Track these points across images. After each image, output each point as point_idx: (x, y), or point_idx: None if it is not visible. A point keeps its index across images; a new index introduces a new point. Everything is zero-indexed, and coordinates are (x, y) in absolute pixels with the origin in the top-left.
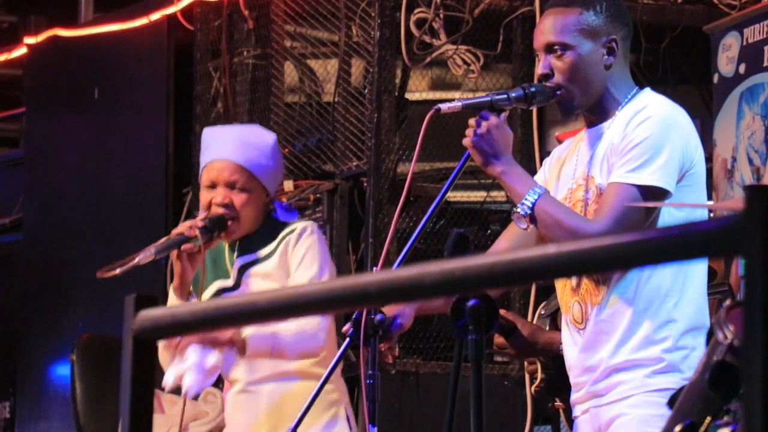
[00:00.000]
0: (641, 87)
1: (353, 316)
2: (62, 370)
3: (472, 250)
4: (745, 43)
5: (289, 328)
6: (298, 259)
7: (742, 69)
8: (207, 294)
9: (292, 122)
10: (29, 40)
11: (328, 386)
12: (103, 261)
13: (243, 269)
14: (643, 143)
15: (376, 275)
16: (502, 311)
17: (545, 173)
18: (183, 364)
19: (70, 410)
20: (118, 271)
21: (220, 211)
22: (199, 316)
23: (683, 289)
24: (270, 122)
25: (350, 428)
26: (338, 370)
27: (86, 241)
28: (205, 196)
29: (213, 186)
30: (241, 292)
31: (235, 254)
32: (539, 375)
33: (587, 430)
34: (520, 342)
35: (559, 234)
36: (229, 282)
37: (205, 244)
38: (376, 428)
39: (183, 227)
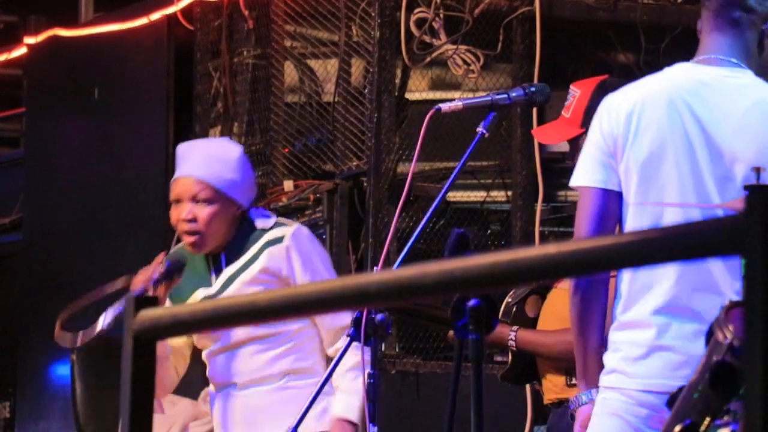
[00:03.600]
0: None
1: (354, 316)
2: (62, 370)
3: (473, 250)
4: None
5: (350, 375)
6: (302, 265)
7: None
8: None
9: (292, 122)
10: (29, 40)
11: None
12: (103, 261)
13: (230, 278)
14: None
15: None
16: None
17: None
18: None
19: (70, 410)
20: (78, 341)
21: (188, 227)
22: (199, 316)
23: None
24: (270, 122)
25: (374, 426)
26: (324, 363)
27: (86, 242)
28: (172, 212)
29: (178, 201)
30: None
31: (222, 263)
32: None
33: None
34: None
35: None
36: (212, 290)
37: (166, 288)
38: (376, 428)
39: (139, 280)
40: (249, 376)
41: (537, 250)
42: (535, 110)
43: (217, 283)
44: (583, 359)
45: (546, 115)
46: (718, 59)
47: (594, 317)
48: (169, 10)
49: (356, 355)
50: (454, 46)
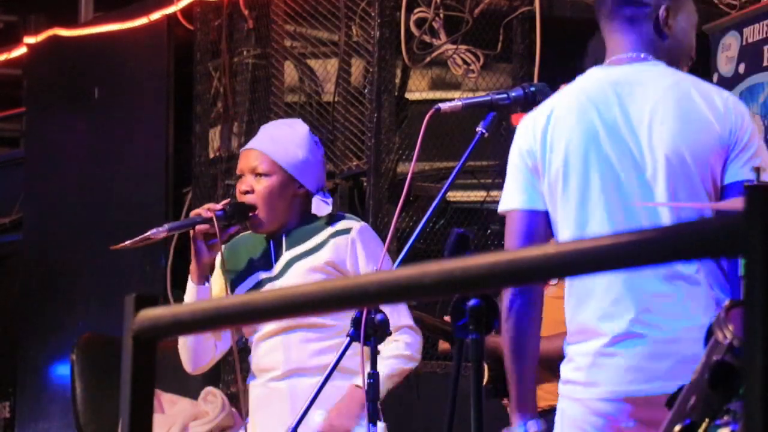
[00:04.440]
0: None
1: (353, 316)
2: (62, 370)
3: (473, 250)
4: (744, 43)
5: (389, 361)
6: (366, 260)
7: (741, 69)
8: (245, 287)
9: None
10: (29, 39)
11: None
12: (103, 261)
13: (290, 261)
14: None
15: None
16: (446, 318)
17: None
18: None
19: (70, 410)
20: (128, 243)
21: (245, 198)
22: (200, 316)
23: None
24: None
25: (374, 427)
26: (362, 370)
27: (86, 241)
28: (237, 186)
29: (241, 175)
30: (285, 283)
31: (283, 247)
32: (486, 375)
33: None
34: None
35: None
36: (272, 272)
37: (222, 229)
38: (376, 428)
39: (201, 209)
40: (292, 365)
41: (537, 250)
42: None
43: (277, 265)
44: (517, 386)
45: None
46: (628, 57)
47: (528, 341)
48: (169, 10)
49: (397, 345)
50: (454, 46)
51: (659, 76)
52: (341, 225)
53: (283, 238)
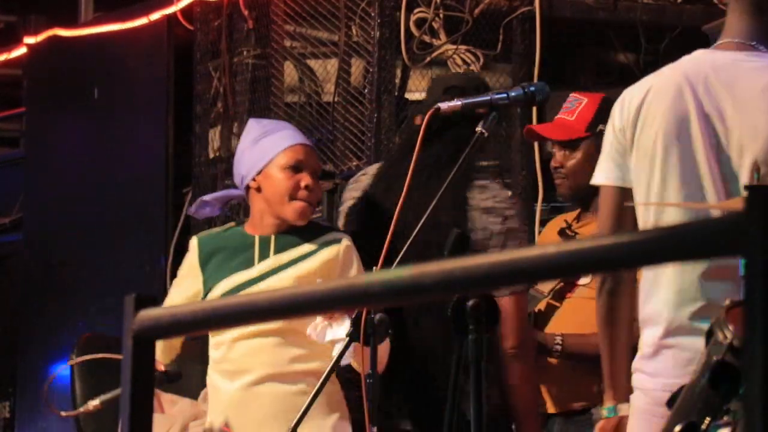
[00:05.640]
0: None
1: (353, 316)
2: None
3: (472, 250)
4: None
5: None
6: (357, 272)
7: None
8: (222, 287)
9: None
10: (29, 40)
11: (335, 386)
12: (103, 261)
13: (277, 269)
14: None
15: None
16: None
17: None
18: (338, 331)
19: (69, 410)
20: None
21: (306, 195)
22: (200, 316)
23: None
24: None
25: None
26: (362, 369)
27: (86, 241)
28: (286, 177)
29: (297, 168)
30: (267, 286)
31: (271, 249)
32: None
33: None
34: None
35: None
36: (252, 273)
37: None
38: (376, 428)
39: None
40: (269, 369)
41: (537, 250)
42: (534, 110)
43: (260, 267)
44: (610, 364)
45: (546, 115)
46: (737, 43)
47: (617, 321)
48: (169, 10)
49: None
50: (454, 46)
51: (762, 70)
52: (330, 236)
53: (272, 239)
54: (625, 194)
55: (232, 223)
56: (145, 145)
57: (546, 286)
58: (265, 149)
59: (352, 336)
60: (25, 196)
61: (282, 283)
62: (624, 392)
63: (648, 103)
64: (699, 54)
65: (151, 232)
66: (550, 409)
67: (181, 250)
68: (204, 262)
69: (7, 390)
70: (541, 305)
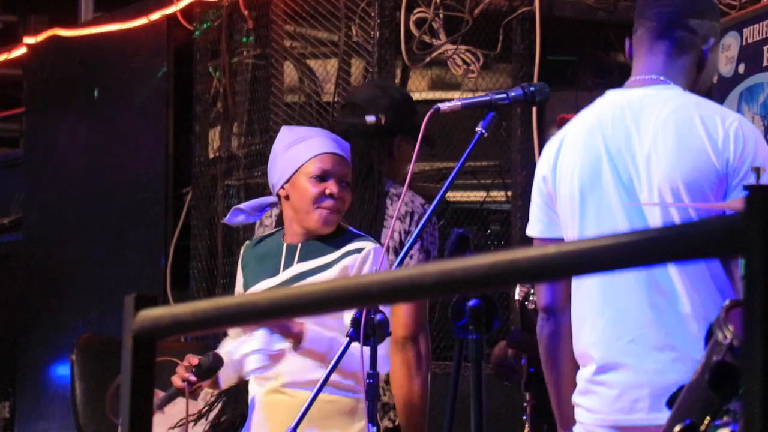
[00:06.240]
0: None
1: (353, 316)
2: (62, 370)
3: (473, 250)
4: (744, 43)
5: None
6: None
7: (741, 69)
8: (252, 291)
9: (291, 122)
10: (29, 40)
11: (359, 396)
12: (103, 261)
13: (299, 276)
14: None
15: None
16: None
17: None
18: (248, 345)
19: (70, 410)
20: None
21: (328, 205)
22: (200, 316)
23: None
24: (270, 122)
25: (373, 427)
26: (362, 369)
27: (86, 241)
28: (311, 185)
29: (324, 177)
30: None
31: (296, 257)
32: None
33: None
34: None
35: None
36: (275, 281)
37: (201, 379)
38: (375, 428)
39: (176, 378)
40: (292, 377)
41: (537, 250)
42: (534, 110)
43: (283, 275)
44: (557, 404)
45: (546, 115)
46: (648, 79)
47: (561, 365)
48: (169, 10)
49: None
50: (454, 46)
51: (667, 101)
52: (354, 245)
53: (298, 247)
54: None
55: (280, 228)
56: (145, 145)
57: None
58: (293, 158)
59: (352, 336)
60: (25, 196)
61: None
62: (572, 424)
63: (563, 150)
64: (611, 94)
65: (151, 232)
66: None
67: (182, 250)
68: (244, 266)
69: (7, 390)
70: None
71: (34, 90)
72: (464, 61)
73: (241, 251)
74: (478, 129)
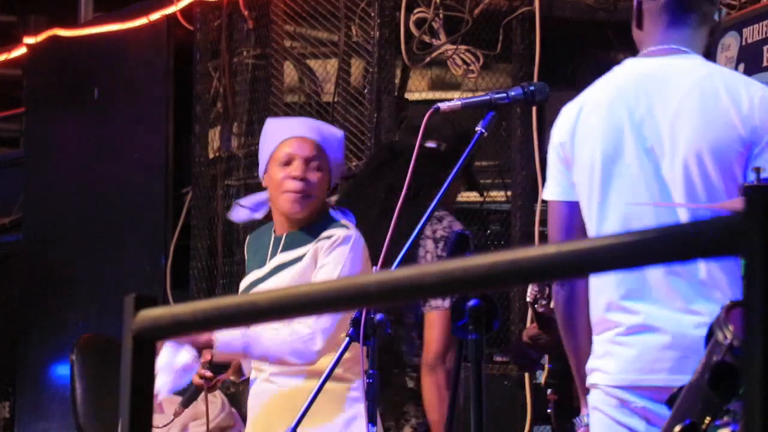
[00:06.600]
0: None
1: (353, 316)
2: (62, 370)
3: (473, 250)
4: (744, 43)
5: (280, 331)
6: (321, 265)
7: (741, 69)
8: (243, 284)
9: None
10: (29, 40)
11: (347, 384)
12: (103, 261)
13: (279, 267)
14: None
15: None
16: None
17: None
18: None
19: (70, 410)
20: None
21: (295, 186)
22: (200, 316)
23: None
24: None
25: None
26: (361, 369)
27: (86, 241)
28: (278, 172)
29: (288, 161)
30: (269, 285)
31: (279, 248)
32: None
33: None
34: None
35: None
36: (262, 272)
37: (216, 375)
38: (375, 428)
39: (195, 377)
40: (279, 367)
41: (537, 250)
42: (534, 110)
43: (268, 265)
44: (578, 372)
45: (546, 115)
46: (668, 49)
47: (579, 331)
48: (169, 10)
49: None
50: (454, 46)
51: (691, 69)
52: (326, 232)
53: (282, 238)
54: (572, 208)
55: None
56: (145, 145)
57: None
58: (265, 148)
59: (352, 336)
60: (25, 196)
61: (280, 281)
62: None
63: (583, 118)
64: (630, 63)
65: (151, 232)
66: None
67: (182, 250)
68: (248, 257)
69: (7, 390)
70: None
71: (34, 90)
72: (464, 61)
73: (246, 243)
74: (478, 129)
